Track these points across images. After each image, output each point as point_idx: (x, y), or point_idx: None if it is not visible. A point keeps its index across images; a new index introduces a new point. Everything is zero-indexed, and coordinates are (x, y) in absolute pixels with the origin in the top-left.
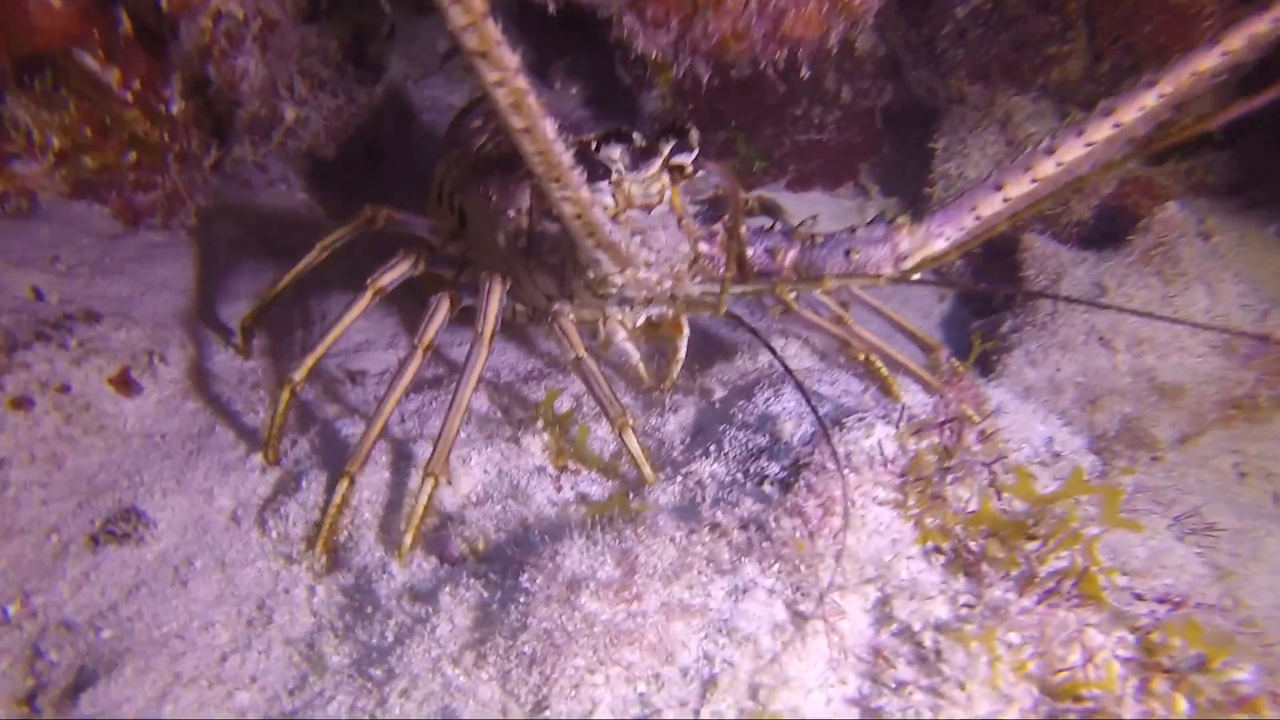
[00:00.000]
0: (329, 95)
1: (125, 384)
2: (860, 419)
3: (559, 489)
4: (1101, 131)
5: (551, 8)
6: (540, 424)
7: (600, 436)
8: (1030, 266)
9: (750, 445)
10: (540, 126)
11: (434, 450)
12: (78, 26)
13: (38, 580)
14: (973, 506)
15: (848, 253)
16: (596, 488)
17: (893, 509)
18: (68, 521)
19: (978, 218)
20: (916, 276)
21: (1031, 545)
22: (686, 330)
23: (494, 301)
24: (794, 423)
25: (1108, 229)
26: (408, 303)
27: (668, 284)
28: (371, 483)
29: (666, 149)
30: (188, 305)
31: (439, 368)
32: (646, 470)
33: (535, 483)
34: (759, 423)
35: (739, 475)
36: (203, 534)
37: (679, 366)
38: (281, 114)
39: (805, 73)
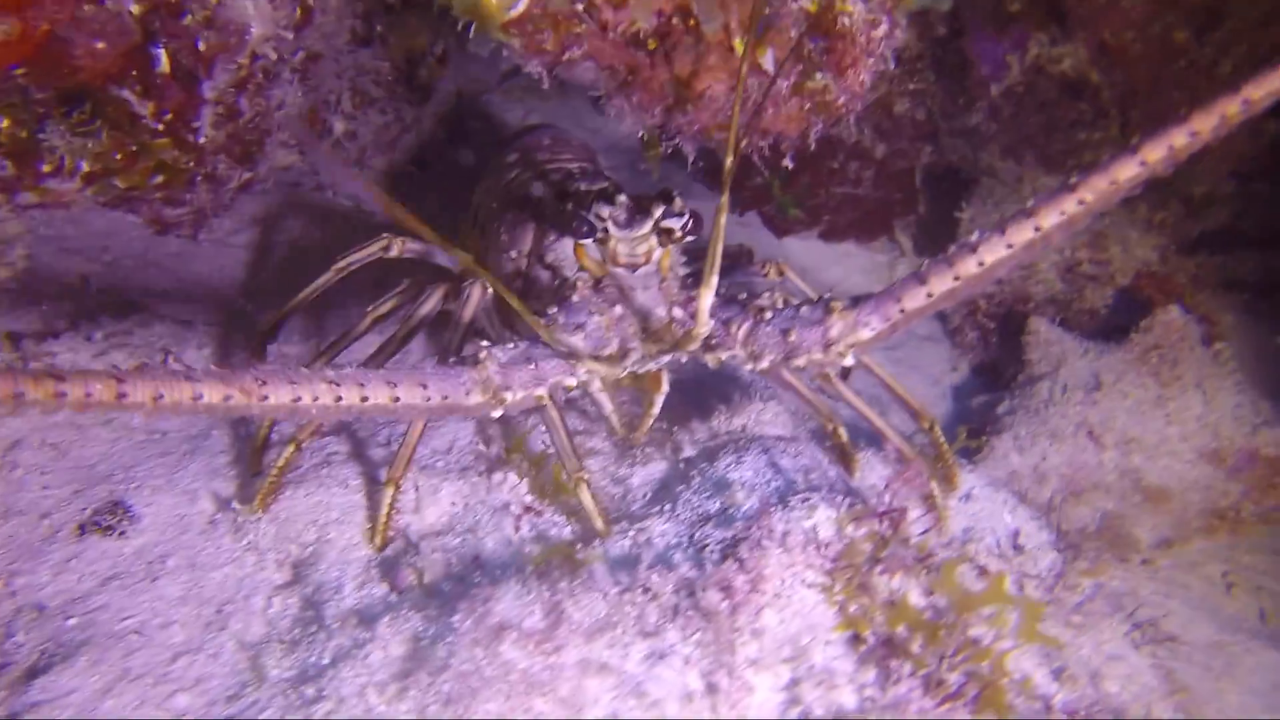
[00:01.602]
0: (377, 112)
1: None
2: (805, 499)
3: (517, 529)
4: (1023, 234)
5: (546, 83)
6: (514, 461)
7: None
8: (1034, 350)
9: (701, 510)
10: None
11: (395, 456)
12: (119, 66)
13: (24, 562)
14: (896, 599)
15: (785, 332)
16: (556, 530)
17: (819, 592)
18: (62, 507)
19: (902, 310)
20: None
21: (945, 648)
22: (665, 386)
23: (470, 305)
24: (746, 492)
25: (1122, 320)
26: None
27: (635, 345)
28: (342, 502)
29: (657, 212)
30: (216, 305)
31: None
32: (599, 523)
33: (496, 520)
34: (714, 488)
35: (685, 539)
36: (181, 533)
37: (651, 421)
38: (331, 126)
39: (788, 164)
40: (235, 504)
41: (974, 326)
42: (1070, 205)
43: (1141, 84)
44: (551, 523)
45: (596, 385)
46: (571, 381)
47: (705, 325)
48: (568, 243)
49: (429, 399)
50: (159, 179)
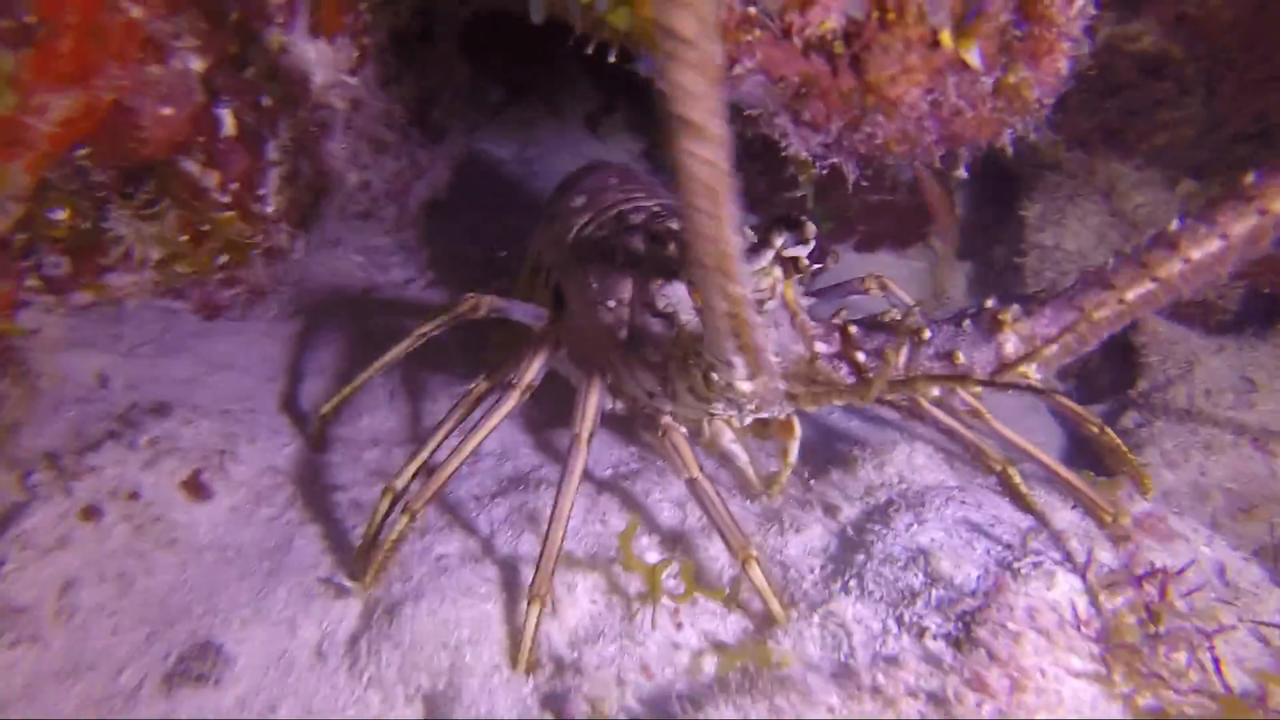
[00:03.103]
0: (391, 159)
1: (197, 488)
2: (1036, 564)
3: (678, 626)
4: (1244, 222)
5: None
6: (645, 543)
7: (712, 555)
8: (1152, 352)
9: (900, 585)
10: (728, 213)
11: (538, 569)
12: (185, 134)
13: None
14: (1193, 684)
15: (949, 355)
16: (720, 623)
17: (1092, 683)
18: (139, 656)
19: (1089, 320)
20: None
21: None
22: (799, 431)
23: (591, 401)
24: (951, 561)
25: (1239, 313)
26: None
27: (782, 387)
28: (471, 615)
29: (779, 241)
30: (253, 387)
31: (519, 460)
32: (776, 608)
33: (650, 616)
34: (907, 557)
35: (890, 623)
36: (285, 674)
37: (789, 471)
38: (344, 178)
39: (963, 174)
40: (341, 578)
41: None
42: None
43: (1233, 54)
44: (709, 612)
45: (729, 437)
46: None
47: (859, 356)
48: (680, 286)
49: None
50: (224, 259)
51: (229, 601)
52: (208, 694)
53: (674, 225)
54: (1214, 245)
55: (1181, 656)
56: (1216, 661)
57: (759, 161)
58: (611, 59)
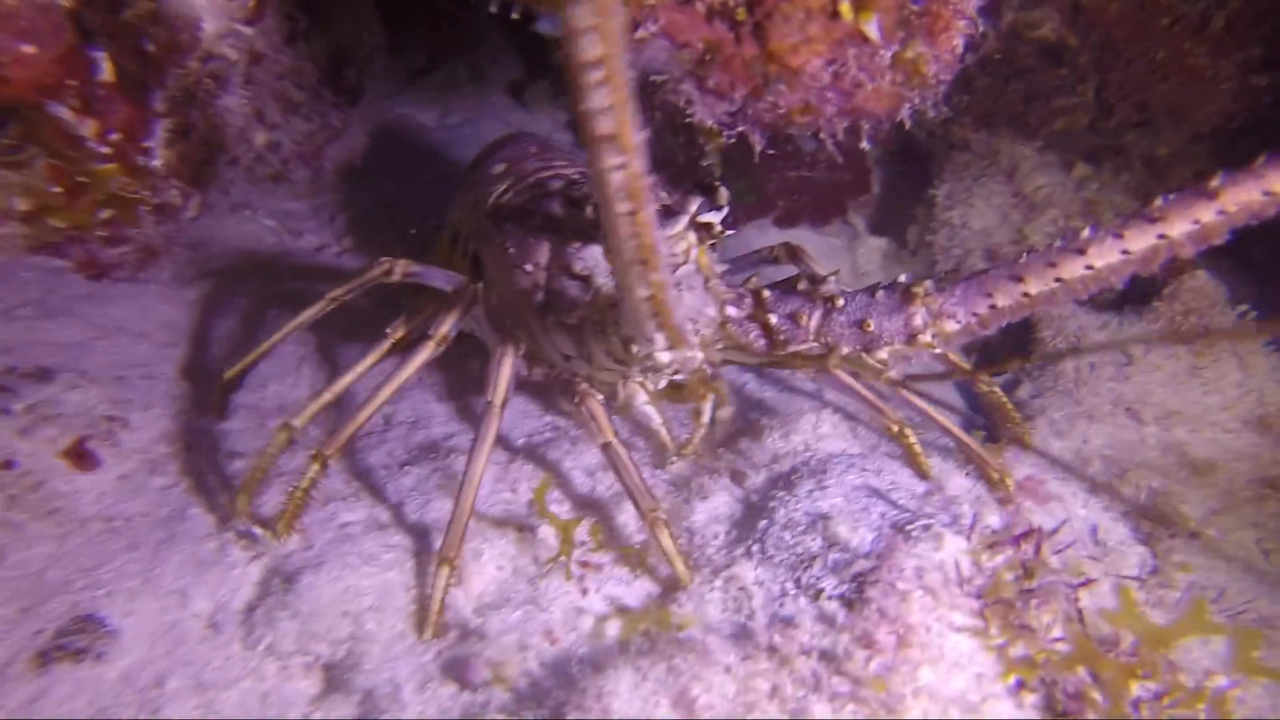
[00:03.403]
0: (301, 119)
1: (81, 457)
2: (926, 527)
3: (584, 591)
4: (1143, 239)
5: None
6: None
7: (622, 522)
8: (1046, 327)
9: (800, 549)
10: (647, 214)
11: (448, 531)
12: (53, 76)
13: None
14: (1058, 635)
15: (861, 323)
16: (625, 588)
17: (972, 637)
18: (10, 632)
19: (993, 306)
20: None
21: (1140, 692)
22: (710, 395)
23: (505, 368)
24: (848, 525)
25: (1124, 291)
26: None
27: (699, 355)
28: (374, 584)
29: (693, 206)
30: (150, 353)
31: (431, 430)
32: (681, 568)
33: (557, 584)
34: (807, 522)
35: (789, 585)
36: (176, 646)
37: (703, 432)
38: (251, 138)
39: (866, 145)
40: (254, 529)
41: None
42: (1207, 214)
43: (1121, 45)
44: (616, 578)
45: (642, 399)
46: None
47: (772, 319)
48: (596, 249)
49: None
50: (105, 214)
51: (116, 573)
52: (87, 669)
53: (591, 190)
54: (1115, 258)
55: (1053, 609)
56: (1079, 612)
57: (681, 135)
58: (514, 16)
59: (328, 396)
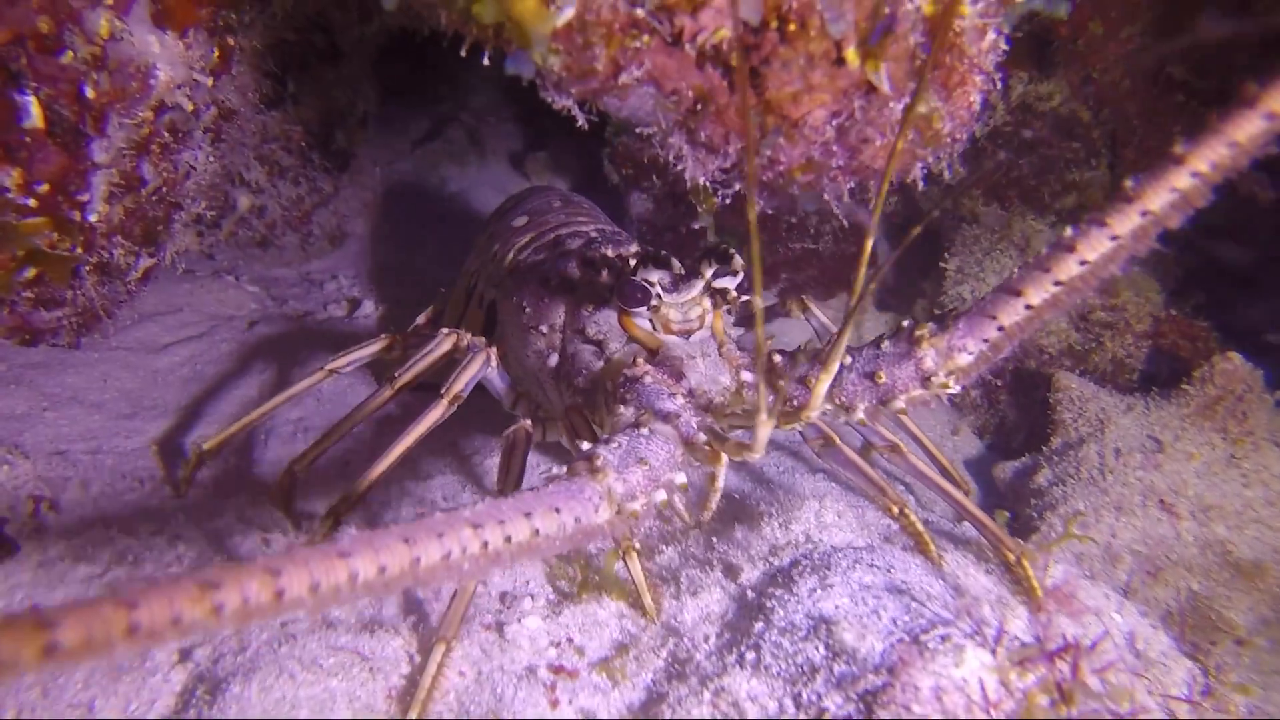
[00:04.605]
0: (289, 184)
1: None
2: (944, 637)
3: (554, 703)
4: (1128, 221)
5: (581, 120)
6: (528, 606)
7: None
8: (1066, 409)
9: (800, 659)
10: None
11: (448, 610)
12: None
13: None
14: None
15: (872, 375)
16: (600, 698)
17: None
18: None
19: (1001, 328)
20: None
21: None
22: (725, 458)
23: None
24: (855, 632)
25: (1146, 372)
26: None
27: (709, 422)
28: (308, 694)
29: (708, 273)
30: (102, 424)
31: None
32: (648, 601)
33: (525, 693)
34: (809, 627)
35: (787, 701)
36: None
37: (718, 497)
38: (234, 202)
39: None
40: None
41: (977, 384)
42: (1183, 180)
43: (1133, 121)
44: (592, 684)
45: None
46: (683, 479)
47: (819, 407)
48: (610, 314)
49: (564, 526)
50: (29, 272)
51: (8, 687)
52: None
53: (608, 252)
54: (1106, 246)
55: None
56: None
57: (683, 205)
58: (485, 62)
59: (248, 419)
